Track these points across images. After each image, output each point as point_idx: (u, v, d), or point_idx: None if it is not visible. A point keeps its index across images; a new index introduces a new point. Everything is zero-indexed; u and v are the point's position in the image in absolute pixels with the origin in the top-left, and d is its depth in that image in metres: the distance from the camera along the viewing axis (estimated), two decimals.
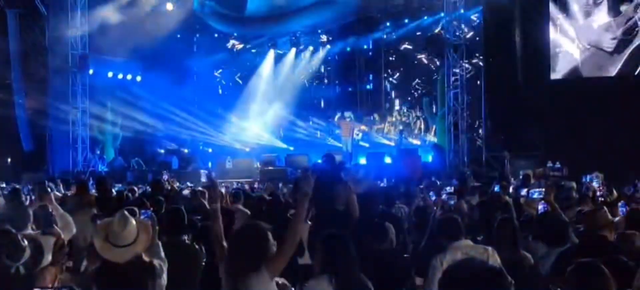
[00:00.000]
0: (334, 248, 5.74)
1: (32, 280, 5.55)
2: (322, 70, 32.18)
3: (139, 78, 30.51)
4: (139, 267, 5.62)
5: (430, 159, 26.63)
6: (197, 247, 7.59)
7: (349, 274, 5.58)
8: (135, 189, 16.63)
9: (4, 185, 19.37)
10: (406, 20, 29.68)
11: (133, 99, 29.78)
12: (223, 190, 15.25)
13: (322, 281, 5.52)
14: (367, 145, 29.62)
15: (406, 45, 30.42)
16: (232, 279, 5.71)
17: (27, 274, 5.57)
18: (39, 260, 5.69)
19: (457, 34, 25.96)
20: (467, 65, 26.60)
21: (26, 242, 5.74)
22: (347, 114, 29.16)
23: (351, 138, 28.37)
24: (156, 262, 5.93)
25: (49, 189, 13.17)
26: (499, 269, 3.51)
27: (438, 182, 18.33)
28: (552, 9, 25.10)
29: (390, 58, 31.32)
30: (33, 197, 13.29)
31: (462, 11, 25.96)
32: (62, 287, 5.78)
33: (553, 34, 25.16)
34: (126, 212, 5.90)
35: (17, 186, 17.01)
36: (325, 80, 32.62)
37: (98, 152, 29.19)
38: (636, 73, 24.35)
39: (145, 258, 5.73)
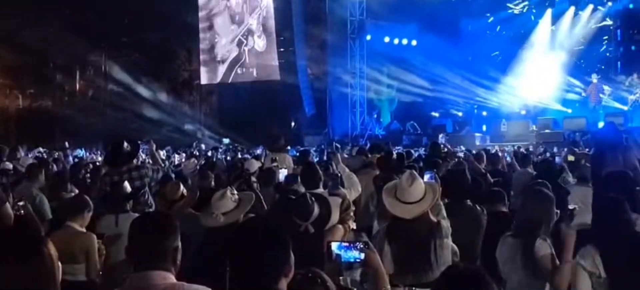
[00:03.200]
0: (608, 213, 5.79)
1: (320, 239, 6.12)
2: (602, 28, 31.18)
3: (414, 42, 32.05)
4: (426, 224, 6.15)
5: None
6: (479, 208, 7.64)
7: (612, 241, 5.46)
8: (413, 152, 17.48)
9: (289, 151, 20.14)
10: None
11: (408, 63, 31.26)
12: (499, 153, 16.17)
13: (587, 252, 5.48)
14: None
15: None
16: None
17: (316, 232, 6.34)
18: (326, 219, 6.61)
19: None
20: None
21: (315, 202, 6.60)
22: (595, 76, 29.40)
23: (597, 102, 28.95)
24: (444, 222, 6.31)
25: (337, 150, 15.79)
26: None
27: None
28: None
29: None
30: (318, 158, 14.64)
31: None
32: (356, 241, 5.51)
33: None
34: (414, 172, 6.58)
35: (308, 150, 18.48)
36: (606, 40, 31.43)
37: (375, 115, 31.34)
38: None
39: (432, 217, 6.23)
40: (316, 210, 6.43)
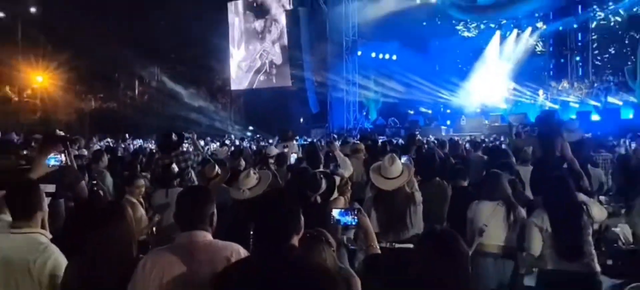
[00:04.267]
0: (551, 185, 5.96)
1: (326, 207, 5.94)
2: (538, 47, 31.63)
3: (394, 57, 32.18)
4: (403, 195, 6.33)
5: (630, 116, 25.72)
6: (445, 183, 7.75)
7: (565, 206, 5.62)
8: (393, 141, 17.64)
9: (298, 139, 20.99)
10: (610, 3, 28.92)
11: (390, 73, 31.57)
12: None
13: (539, 214, 5.68)
14: (576, 105, 28.58)
15: (610, 23, 29.65)
16: None
17: (323, 203, 6.31)
18: (331, 192, 6.58)
19: None
20: None
21: (323, 178, 6.62)
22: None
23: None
24: (417, 194, 6.44)
25: (334, 140, 15.64)
26: None
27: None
28: None
29: (595, 35, 30.38)
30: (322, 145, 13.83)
31: None
32: (352, 208, 5.34)
33: None
34: (394, 155, 6.65)
35: (314, 140, 18.64)
36: (541, 53, 31.84)
37: (364, 113, 31.43)
38: None
39: (408, 189, 6.41)
40: (324, 185, 6.46)
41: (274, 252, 3.13)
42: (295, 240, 3.22)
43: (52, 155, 5.33)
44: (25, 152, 7.34)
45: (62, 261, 3.97)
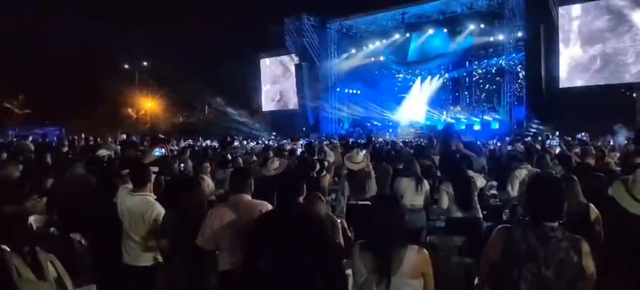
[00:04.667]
0: (452, 167, 5.96)
1: (319, 181, 6.26)
2: (443, 86, 31.32)
3: (359, 92, 32.05)
4: (363, 173, 6.31)
5: (497, 126, 25.82)
6: (389, 167, 7.46)
7: (462, 178, 5.58)
8: (358, 141, 16.39)
9: (302, 140, 20.74)
10: (485, 60, 28.95)
11: (356, 101, 31.67)
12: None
13: (446, 184, 5.59)
14: (465, 120, 28.70)
15: (486, 72, 29.59)
16: None
17: (317, 177, 6.38)
18: (322, 171, 6.65)
19: (511, 65, 24.75)
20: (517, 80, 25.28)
21: (317, 162, 6.77)
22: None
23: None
24: (372, 172, 6.36)
25: (324, 140, 16.50)
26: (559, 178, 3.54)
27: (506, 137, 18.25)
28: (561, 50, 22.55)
29: (477, 78, 30.32)
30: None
31: (513, 55, 24.57)
32: (334, 188, 6.49)
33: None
34: (358, 149, 6.76)
35: (311, 140, 18.36)
36: (444, 91, 31.52)
37: (341, 125, 31.24)
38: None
39: (366, 169, 6.36)
40: (318, 166, 6.58)
41: (287, 206, 3.17)
42: (300, 199, 3.25)
43: (156, 149, 5.36)
44: (141, 147, 7.37)
45: (162, 211, 4.05)
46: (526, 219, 2.74)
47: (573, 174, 5.11)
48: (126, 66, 32.76)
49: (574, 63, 22.97)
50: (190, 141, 20.59)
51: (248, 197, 3.63)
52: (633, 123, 19.82)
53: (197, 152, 12.15)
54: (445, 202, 5.55)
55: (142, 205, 4.10)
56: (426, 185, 6.04)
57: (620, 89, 22.60)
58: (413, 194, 5.97)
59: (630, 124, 18.78)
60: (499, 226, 2.72)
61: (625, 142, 13.96)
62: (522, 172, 6.51)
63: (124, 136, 17.27)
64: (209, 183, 5.69)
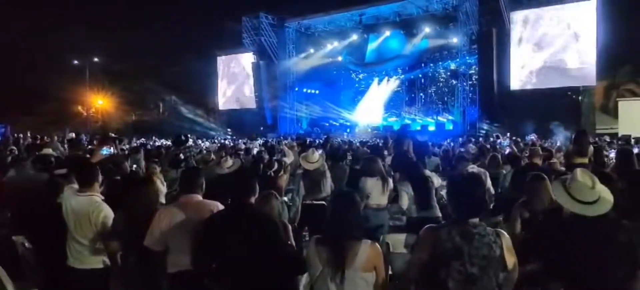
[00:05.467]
0: (408, 167, 6.03)
1: (276, 181, 5.82)
2: (399, 87, 31.44)
3: (317, 91, 32.13)
4: (319, 172, 6.38)
5: (451, 127, 26.29)
6: (346, 166, 7.61)
7: (420, 178, 5.59)
8: (316, 141, 16.44)
9: (259, 139, 21.54)
10: (440, 63, 29.19)
11: (314, 101, 31.79)
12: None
13: (406, 184, 5.62)
14: (420, 121, 29.08)
15: (440, 74, 29.85)
16: None
17: (274, 177, 6.08)
18: (280, 171, 6.41)
19: (464, 68, 25.55)
20: (470, 82, 25.89)
21: (275, 162, 6.61)
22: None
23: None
24: (327, 172, 6.45)
25: (282, 140, 16.43)
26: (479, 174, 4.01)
27: (459, 138, 18.57)
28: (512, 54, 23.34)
29: (433, 80, 30.51)
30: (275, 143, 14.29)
31: (467, 58, 25.30)
32: (290, 188, 6.35)
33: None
34: (314, 149, 6.88)
35: (269, 140, 18.43)
36: (400, 92, 31.57)
37: (299, 124, 31.18)
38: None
39: (321, 169, 6.43)
40: (276, 165, 6.41)
41: (239, 206, 3.15)
42: (252, 200, 3.23)
43: (105, 148, 5.20)
44: (88, 147, 7.13)
45: (110, 213, 3.94)
46: (450, 216, 2.78)
47: (520, 173, 5.34)
48: (76, 62, 31.72)
49: (524, 67, 23.81)
50: (143, 140, 20.11)
51: (198, 197, 3.57)
52: (578, 124, 20.86)
53: (149, 151, 11.86)
54: (405, 202, 5.60)
55: (88, 205, 3.97)
56: (391, 184, 6.06)
57: (567, 92, 23.66)
58: (379, 194, 5.97)
59: (575, 125, 19.79)
60: (426, 226, 2.76)
61: (563, 141, 14.77)
62: None
63: (73, 134, 16.65)
64: (158, 184, 5.56)
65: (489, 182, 6.31)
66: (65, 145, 9.54)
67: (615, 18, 21.00)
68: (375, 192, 5.96)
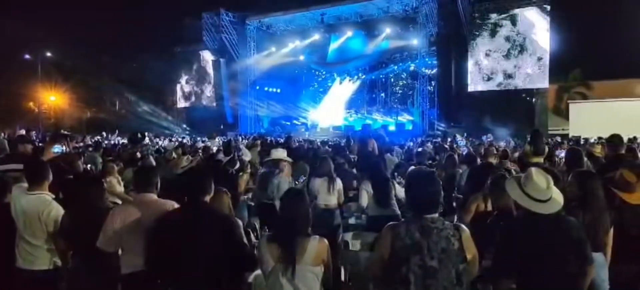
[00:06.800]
0: (372, 166, 6.03)
1: (237, 179, 6.32)
2: (360, 87, 31.96)
3: (278, 90, 32.06)
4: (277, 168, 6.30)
5: (410, 127, 26.51)
6: (306, 165, 7.44)
7: (381, 178, 5.66)
8: (278, 139, 17.13)
9: (220, 137, 21.35)
10: (400, 63, 29.66)
11: (276, 100, 31.70)
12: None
13: (366, 183, 5.66)
14: (381, 121, 29.34)
15: (401, 74, 30.53)
16: None
17: (235, 175, 6.38)
18: (242, 169, 6.65)
19: (424, 69, 25.98)
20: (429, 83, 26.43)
21: (237, 159, 6.78)
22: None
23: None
24: (288, 169, 6.37)
25: (240, 141, 16.16)
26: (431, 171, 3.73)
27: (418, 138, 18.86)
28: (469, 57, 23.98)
29: (393, 80, 31.19)
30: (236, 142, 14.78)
31: (427, 59, 25.72)
32: (251, 187, 6.68)
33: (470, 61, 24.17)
34: (279, 148, 6.77)
35: (230, 139, 18.04)
36: (361, 92, 32.08)
37: (260, 123, 30.83)
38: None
39: (283, 164, 6.35)
40: (238, 164, 6.49)
41: (194, 205, 3.13)
42: (207, 198, 3.21)
43: (56, 145, 5.02)
44: (40, 144, 6.89)
45: (61, 212, 3.81)
46: (410, 214, 2.83)
47: (476, 171, 5.48)
48: (27, 56, 30.45)
49: (481, 69, 24.57)
50: (98, 138, 19.57)
51: (153, 196, 3.50)
52: (532, 125, 21.63)
53: (105, 148, 11.57)
54: (364, 200, 5.62)
55: (38, 205, 3.83)
56: (339, 183, 6.06)
57: (521, 95, 24.52)
58: (326, 194, 5.95)
59: (529, 125, 20.52)
60: (387, 224, 2.81)
61: (509, 140, 15.42)
62: None
63: (23, 131, 16.01)
64: (114, 184, 5.45)
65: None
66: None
67: (566, 25, 22.00)
68: (322, 193, 5.96)
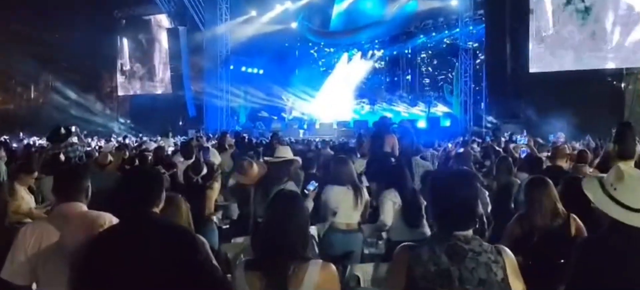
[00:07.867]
0: (396, 173, 6.23)
1: (205, 188, 6.48)
2: (377, 66, 32.09)
3: (261, 71, 32.15)
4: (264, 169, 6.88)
5: (448, 123, 26.97)
6: (300, 171, 7.71)
7: (407, 189, 5.87)
8: (261, 141, 17.47)
9: (178, 137, 21.60)
10: (433, 33, 29.53)
11: (257, 84, 31.76)
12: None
13: (391, 192, 5.84)
14: (406, 114, 28.98)
15: (434, 49, 30.57)
16: None
17: (203, 184, 6.53)
18: (210, 176, 6.73)
19: (468, 42, 26.12)
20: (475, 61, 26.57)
21: (204, 165, 6.86)
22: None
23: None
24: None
25: (204, 139, 16.14)
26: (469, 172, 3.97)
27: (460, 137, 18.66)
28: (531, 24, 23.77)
29: (423, 57, 31.32)
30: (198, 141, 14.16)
31: (471, 28, 26.05)
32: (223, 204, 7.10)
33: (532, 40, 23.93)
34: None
35: (190, 138, 17.72)
36: (379, 73, 32.30)
37: (235, 118, 31.00)
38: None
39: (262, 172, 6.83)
40: (205, 170, 6.61)
41: (139, 218, 3.11)
42: (156, 209, 3.20)
43: None
44: None
45: None
46: (433, 231, 2.81)
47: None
48: None
49: (548, 40, 24.28)
50: (5, 137, 19.67)
51: (82, 206, 3.49)
52: (620, 117, 21.51)
53: (15, 152, 11.62)
54: (389, 216, 5.68)
55: None
56: (366, 195, 6.09)
57: (606, 77, 24.41)
58: (351, 208, 5.94)
59: (617, 118, 20.41)
60: (401, 245, 2.79)
61: (589, 140, 15.65)
62: None
63: None
64: (23, 196, 5.44)
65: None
66: None
67: None
68: (345, 206, 5.93)
